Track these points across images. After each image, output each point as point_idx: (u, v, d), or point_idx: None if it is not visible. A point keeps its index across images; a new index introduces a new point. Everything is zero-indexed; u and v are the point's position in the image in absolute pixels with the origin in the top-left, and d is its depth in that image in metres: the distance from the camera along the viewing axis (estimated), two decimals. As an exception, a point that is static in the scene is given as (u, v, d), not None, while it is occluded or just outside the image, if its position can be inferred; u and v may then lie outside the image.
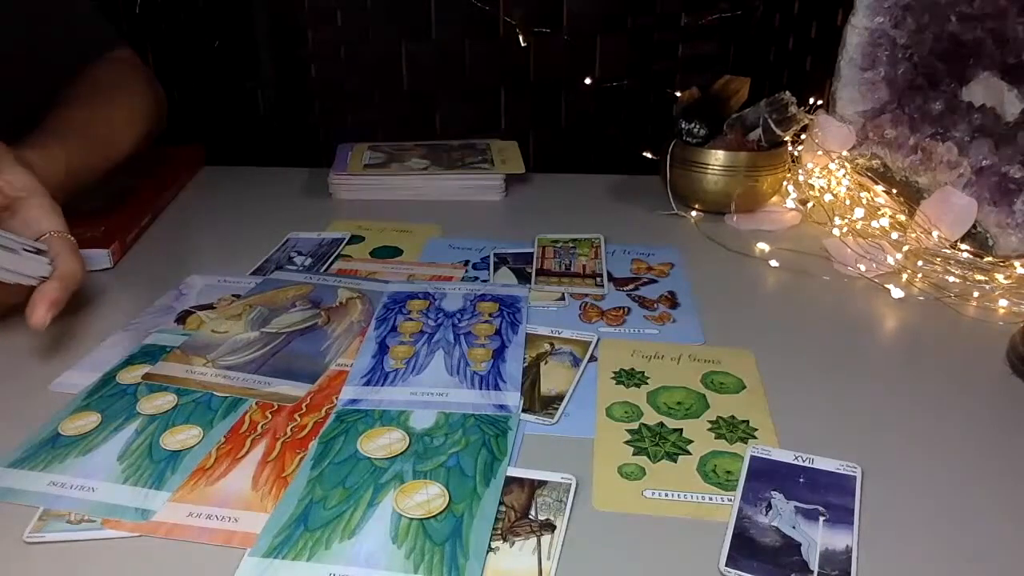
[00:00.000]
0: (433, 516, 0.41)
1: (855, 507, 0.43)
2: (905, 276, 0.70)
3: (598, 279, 0.69)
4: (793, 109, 0.81)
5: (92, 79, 0.80)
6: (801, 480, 0.44)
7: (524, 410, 0.51)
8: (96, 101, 0.77)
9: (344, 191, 0.91)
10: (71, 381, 0.54)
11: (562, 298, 0.67)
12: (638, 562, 0.40)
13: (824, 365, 0.57)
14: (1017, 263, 0.69)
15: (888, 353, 0.61)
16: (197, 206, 0.89)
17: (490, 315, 0.62)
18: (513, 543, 0.40)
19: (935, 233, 0.72)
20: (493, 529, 0.41)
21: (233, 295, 0.66)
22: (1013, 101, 0.78)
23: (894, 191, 0.79)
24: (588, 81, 1.21)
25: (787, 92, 0.82)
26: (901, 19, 0.81)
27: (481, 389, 0.53)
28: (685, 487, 0.45)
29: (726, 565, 0.39)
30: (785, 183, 0.86)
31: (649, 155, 0.92)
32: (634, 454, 0.47)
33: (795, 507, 0.43)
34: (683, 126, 0.83)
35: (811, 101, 0.90)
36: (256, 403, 0.51)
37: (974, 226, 0.72)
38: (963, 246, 0.72)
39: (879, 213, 0.78)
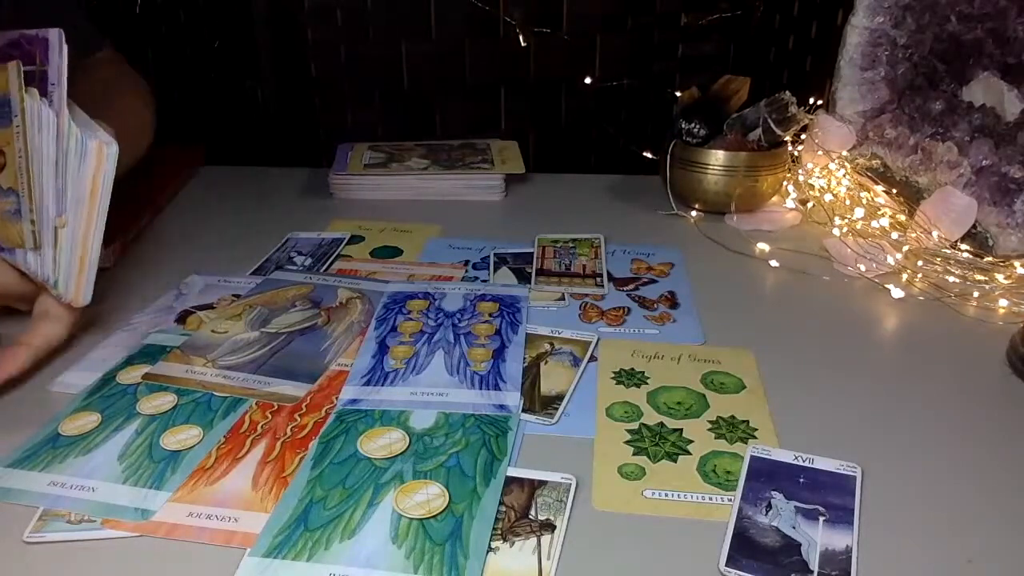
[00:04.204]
0: (433, 516, 0.41)
1: (855, 507, 0.43)
2: (905, 276, 0.70)
3: (598, 279, 0.70)
4: (793, 109, 0.81)
5: (99, 83, 0.80)
6: (801, 480, 0.45)
7: (524, 410, 0.51)
8: (109, 104, 0.77)
9: (344, 191, 0.91)
10: (71, 381, 0.54)
11: (562, 298, 0.67)
12: (638, 562, 0.40)
13: (824, 365, 0.57)
14: (1017, 263, 0.69)
15: (888, 353, 0.61)
16: (197, 206, 0.89)
17: (490, 315, 0.62)
18: (513, 543, 0.40)
19: (935, 233, 0.72)
20: (493, 529, 0.41)
21: (233, 295, 0.66)
22: (1013, 101, 0.78)
23: (894, 191, 0.79)
24: (588, 81, 1.21)
25: (787, 92, 0.82)
26: (901, 19, 0.81)
27: (481, 389, 0.53)
28: (685, 487, 0.45)
29: (726, 565, 0.39)
30: (785, 183, 0.86)
31: (649, 155, 0.92)
32: (634, 454, 0.47)
33: (795, 507, 0.43)
34: (683, 126, 0.83)
35: (811, 101, 0.90)
36: (256, 403, 0.51)
37: (974, 226, 0.72)
38: (963, 246, 0.72)
39: (879, 213, 0.78)
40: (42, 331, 0.55)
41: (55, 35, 0.55)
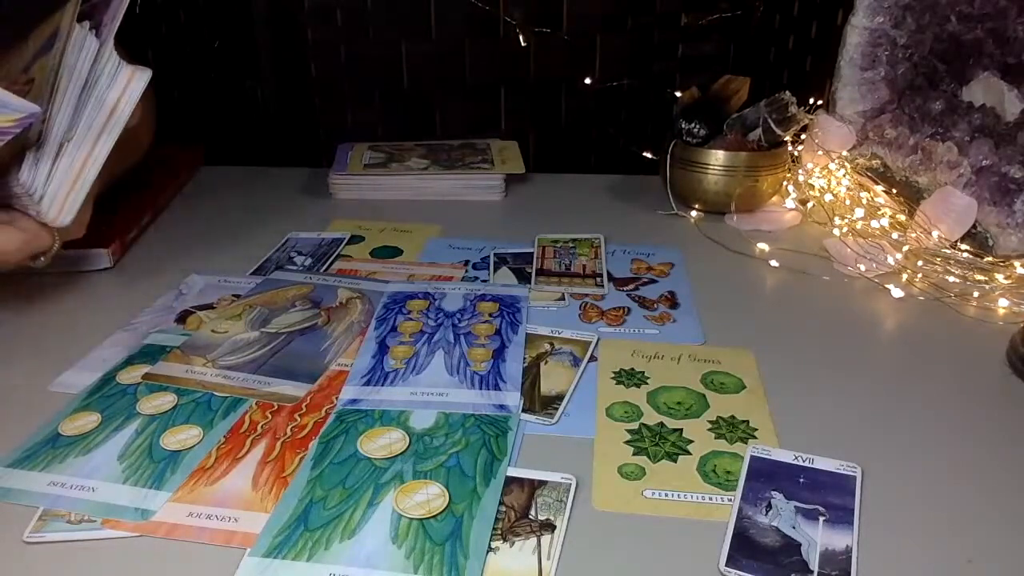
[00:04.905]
0: (433, 516, 0.41)
1: (855, 507, 0.43)
2: (905, 276, 0.70)
3: (598, 279, 0.70)
4: (793, 109, 0.81)
5: None
6: (801, 480, 0.45)
7: (524, 410, 0.51)
8: None
9: (344, 191, 0.91)
10: (71, 381, 0.54)
11: (562, 298, 0.67)
12: (638, 562, 0.40)
13: (824, 365, 0.57)
14: (1017, 263, 0.69)
15: (888, 353, 0.61)
16: (197, 206, 0.89)
17: (490, 315, 0.62)
18: (513, 543, 0.40)
19: (935, 233, 0.72)
20: (493, 529, 0.41)
21: (233, 295, 0.66)
22: (1013, 101, 0.78)
23: (894, 191, 0.79)
24: (588, 81, 1.21)
25: (787, 92, 0.82)
26: (901, 19, 0.81)
27: (481, 389, 0.53)
28: (685, 487, 0.45)
29: (726, 565, 0.39)
30: (785, 183, 0.86)
31: (649, 155, 0.92)
32: (634, 454, 0.47)
33: (795, 507, 0.43)
34: (683, 126, 0.83)
35: (811, 101, 0.90)
36: (256, 403, 0.51)
37: (974, 226, 0.72)
38: (963, 246, 0.72)
39: (879, 213, 0.78)
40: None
41: None
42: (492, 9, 1.19)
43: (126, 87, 0.57)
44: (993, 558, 0.40)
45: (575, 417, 0.51)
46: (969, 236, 0.72)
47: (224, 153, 1.05)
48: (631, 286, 0.69)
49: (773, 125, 0.81)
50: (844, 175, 0.83)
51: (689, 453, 0.47)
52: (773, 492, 0.44)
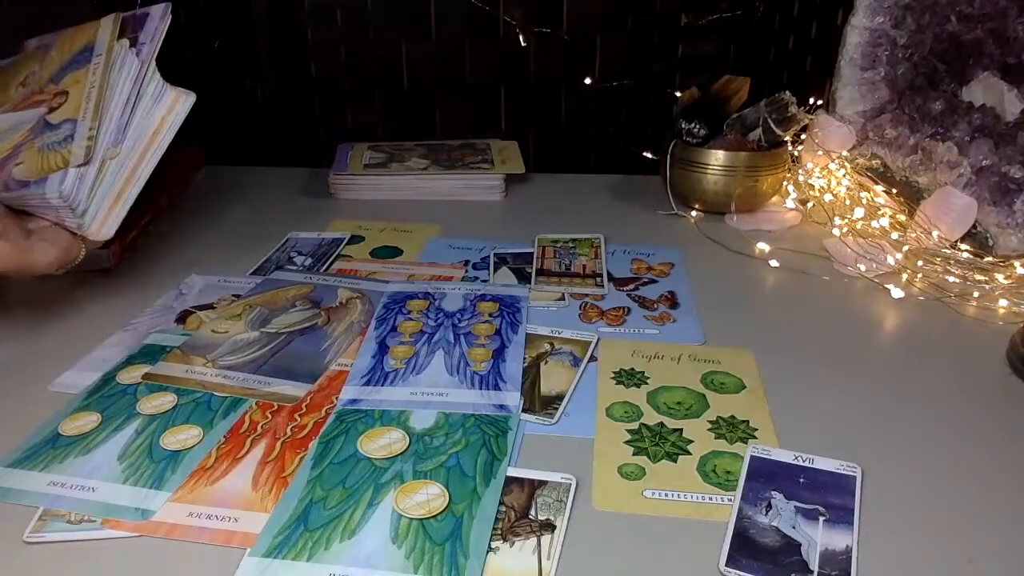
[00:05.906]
0: (433, 516, 0.41)
1: (855, 507, 0.43)
2: (905, 276, 0.70)
3: (598, 279, 0.70)
4: (793, 109, 0.81)
5: None
6: (801, 480, 0.45)
7: (524, 410, 0.51)
8: None
9: (344, 191, 0.91)
10: (71, 381, 0.54)
11: (562, 298, 0.67)
12: (638, 562, 0.40)
13: (824, 365, 0.57)
14: (1017, 263, 0.69)
15: (888, 353, 0.60)
16: (197, 206, 0.89)
17: (490, 315, 0.62)
18: (513, 543, 0.40)
19: (935, 233, 0.72)
20: (493, 529, 0.41)
21: (233, 295, 0.66)
22: (1013, 101, 0.78)
23: (894, 191, 0.79)
24: (588, 81, 1.21)
25: (787, 92, 0.82)
26: (901, 19, 0.81)
27: (481, 389, 0.53)
28: (685, 487, 0.45)
29: (726, 565, 0.39)
30: (785, 183, 0.86)
31: (649, 155, 0.92)
32: (634, 454, 0.47)
33: (795, 507, 0.43)
34: (683, 126, 0.83)
35: (811, 101, 0.90)
36: (256, 403, 0.51)
37: (974, 226, 0.72)
38: (963, 246, 0.72)
39: (879, 213, 0.78)
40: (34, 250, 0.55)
41: (157, 9, 0.61)
42: (492, 9, 1.19)
43: (171, 108, 0.59)
44: (993, 558, 0.40)
45: (575, 417, 0.51)
46: (969, 236, 0.72)
47: (224, 153, 1.05)
48: (631, 286, 0.69)
49: (773, 125, 0.81)
50: (844, 175, 0.83)
51: (689, 453, 0.47)
52: (773, 492, 0.44)
